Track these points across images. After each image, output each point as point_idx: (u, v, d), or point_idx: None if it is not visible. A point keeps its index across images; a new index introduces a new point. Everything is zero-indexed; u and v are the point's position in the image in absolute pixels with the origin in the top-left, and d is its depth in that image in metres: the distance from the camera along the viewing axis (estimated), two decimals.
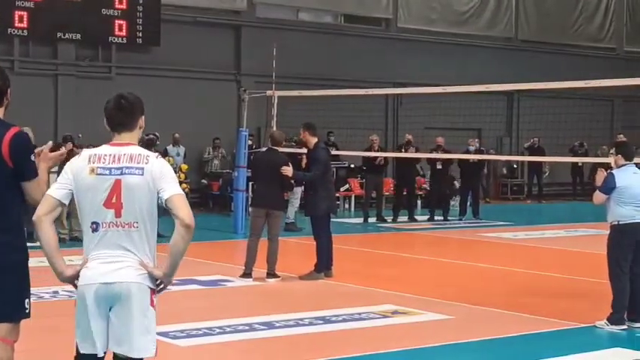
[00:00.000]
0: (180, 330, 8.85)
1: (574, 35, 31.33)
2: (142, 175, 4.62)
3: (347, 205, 24.48)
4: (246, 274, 12.10)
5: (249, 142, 19.93)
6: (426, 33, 27.83)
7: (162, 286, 4.73)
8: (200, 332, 8.82)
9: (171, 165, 19.61)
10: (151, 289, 4.66)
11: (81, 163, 4.69)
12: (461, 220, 21.62)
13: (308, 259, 12.55)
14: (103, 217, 4.61)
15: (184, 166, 22.63)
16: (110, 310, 4.60)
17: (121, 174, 4.62)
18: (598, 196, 9.50)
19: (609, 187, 9.34)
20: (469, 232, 19.35)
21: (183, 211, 4.58)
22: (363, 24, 27.32)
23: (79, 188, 4.66)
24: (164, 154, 22.25)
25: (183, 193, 4.69)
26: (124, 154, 4.66)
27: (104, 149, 4.72)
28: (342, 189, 24.33)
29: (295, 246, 15.75)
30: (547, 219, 23.62)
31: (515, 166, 29.38)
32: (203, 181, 23.60)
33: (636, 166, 9.73)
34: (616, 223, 9.39)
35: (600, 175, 9.57)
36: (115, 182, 4.62)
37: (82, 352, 4.62)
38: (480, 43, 28.88)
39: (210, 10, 24.17)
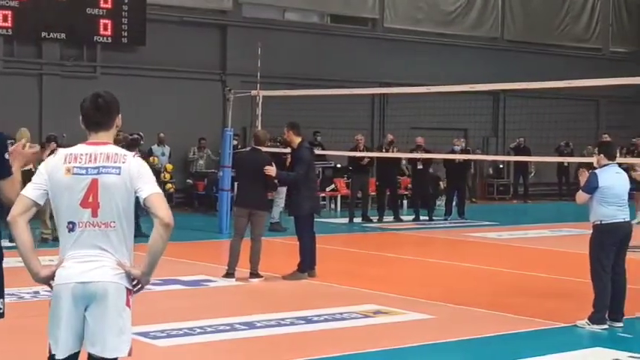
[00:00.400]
0: (161, 330, 8.81)
1: (560, 35, 31.40)
2: (119, 174, 4.58)
3: (333, 205, 24.47)
4: (229, 274, 12.07)
5: (235, 142, 19.89)
6: (412, 33, 27.84)
7: (139, 286, 4.69)
8: (180, 332, 8.78)
9: (157, 165, 19.86)
10: (127, 289, 4.62)
11: (56, 162, 4.65)
12: (446, 220, 21.63)
13: (292, 259, 12.52)
14: (80, 217, 4.57)
15: (169, 166, 22.62)
16: (86, 309, 4.55)
17: (98, 173, 4.58)
18: (581, 196, 9.50)
19: (592, 186, 9.34)
20: (454, 232, 19.35)
21: (162, 210, 4.56)
22: (349, 24, 27.30)
23: (54, 188, 4.62)
24: (149, 153, 22.22)
25: (161, 192, 4.66)
26: (101, 154, 4.62)
27: (80, 148, 4.67)
28: (327, 189, 24.33)
29: (280, 246, 15.72)
30: (532, 219, 23.65)
31: (501, 166, 29.41)
32: (188, 180, 23.56)
33: (619, 166, 9.75)
34: (598, 222, 9.39)
35: (584, 175, 9.57)
36: (92, 182, 4.58)
37: (52, 352, 4.58)
38: (466, 43, 28.91)
39: (196, 9, 24.11)
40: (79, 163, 4.60)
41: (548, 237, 18.65)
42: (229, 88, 18.56)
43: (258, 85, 18.08)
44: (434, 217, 21.61)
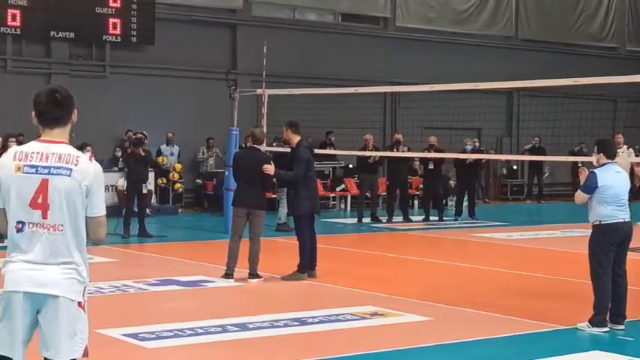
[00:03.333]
0: (151, 331, 8.68)
1: (575, 34, 31.10)
2: (70, 176, 4.45)
3: (343, 205, 24.31)
4: (228, 275, 11.93)
5: (249, 143, 19.67)
6: (424, 32, 27.66)
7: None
8: (170, 334, 8.63)
9: (165, 165, 19.86)
10: (79, 292, 4.50)
11: (6, 160, 4.52)
12: (456, 220, 21.43)
13: (295, 259, 12.34)
14: (29, 218, 4.45)
15: (178, 166, 22.54)
16: (38, 313, 4.45)
17: (49, 174, 4.45)
18: (580, 196, 9.30)
19: (591, 186, 9.13)
20: (463, 233, 19.13)
21: (95, 235, 4.58)
22: (360, 23, 27.11)
23: (4, 186, 4.49)
24: (158, 153, 22.17)
25: (104, 213, 4.57)
26: (53, 153, 4.47)
27: (32, 146, 4.53)
28: (338, 189, 24.18)
29: (284, 246, 15.58)
30: (544, 220, 23.42)
31: (514, 167, 29.15)
32: (197, 180, 23.45)
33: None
34: (598, 223, 9.19)
35: (583, 174, 9.37)
36: (42, 182, 4.45)
37: (5, 354, 4.48)
38: (480, 42, 28.67)
39: (206, 8, 24.02)
40: (30, 161, 4.47)
41: (559, 238, 18.38)
42: (234, 87, 18.41)
43: (264, 84, 17.93)
44: (444, 218, 21.39)
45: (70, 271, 4.46)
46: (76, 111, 4.63)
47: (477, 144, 24.35)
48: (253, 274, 11.92)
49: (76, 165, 4.46)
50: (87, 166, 4.49)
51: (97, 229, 4.52)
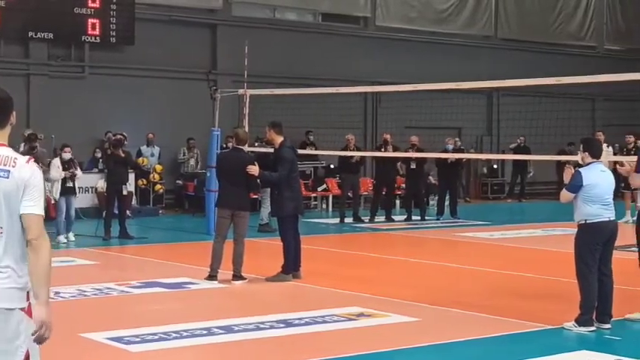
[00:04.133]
0: (136, 335, 8.59)
1: (554, 34, 31.20)
2: (8, 178, 4.37)
3: (325, 206, 24.26)
4: (212, 277, 11.84)
5: (230, 144, 19.55)
6: (404, 31, 27.65)
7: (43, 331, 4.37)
8: (155, 337, 8.54)
9: (146, 166, 19.73)
10: (23, 298, 4.40)
11: None
12: (438, 219, 21.42)
13: (279, 260, 12.27)
14: None
15: (159, 167, 22.42)
16: None
17: None
18: (565, 195, 9.28)
19: (576, 185, 9.11)
20: (445, 232, 19.11)
21: (32, 232, 4.37)
22: (341, 22, 27.06)
23: None
24: (138, 154, 22.03)
25: (42, 214, 4.43)
26: None
27: None
28: (319, 189, 24.13)
29: (267, 247, 15.49)
30: (526, 218, 23.46)
31: (495, 166, 29.19)
32: (178, 181, 23.32)
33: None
34: (583, 222, 9.17)
35: (568, 173, 9.35)
36: None
37: None
38: (460, 42, 28.69)
39: (186, 8, 23.87)
40: None
41: (540, 236, 18.43)
42: (215, 87, 18.30)
43: (245, 84, 17.84)
44: (426, 217, 21.37)
45: (7, 279, 4.35)
46: (15, 113, 4.54)
47: (459, 143, 24.39)
48: (237, 276, 11.84)
49: (13, 167, 4.39)
50: (25, 168, 4.41)
51: (30, 226, 4.37)
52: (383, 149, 20.73)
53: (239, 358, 8.17)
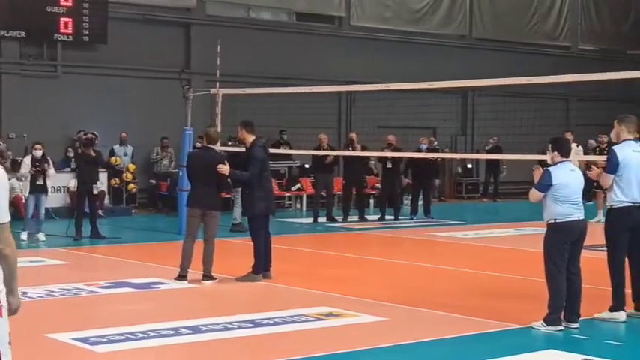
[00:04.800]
0: (102, 335, 8.51)
1: (529, 33, 31.30)
2: None
3: (298, 205, 24.22)
4: (181, 276, 11.78)
5: (199, 145, 19.45)
6: (379, 31, 27.65)
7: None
8: (122, 337, 8.47)
9: (119, 165, 19.64)
10: None
11: None
12: (412, 219, 21.42)
13: (251, 260, 12.20)
14: None
15: (132, 166, 22.31)
16: None
17: None
18: (534, 194, 9.28)
19: (545, 184, 9.12)
20: (419, 232, 19.10)
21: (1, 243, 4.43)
22: (315, 22, 27.02)
23: None
24: (111, 153, 21.91)
25: (7, 220, 4.45)
26: None
27: None
28: (293, 188, 24.09)
29: (239, 247, 15.37)
30: (499, 218, 23.53)
31: (469, 165, 29.24)
32: (151, 181, 23.20)
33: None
34: (552, 221, 9.17)
35: (537, 173, 9.36)
36: None
37: None
38: (434, 42, 28.71)
39: (159, 7, 23.75)
40: None
41: (513, 236, 18.47)
42: (188, 86, 18.22)
43: (218, 83, 17.77)
44: (400, 217, 21.36)
45: None
46: None
47: (435, 143, 24.41)
48: (207, 276, 11.78)
49: None
50: None
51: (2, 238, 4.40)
52: (350, 148, 20.65)
53: (206, 358, 8.12)
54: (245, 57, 24.22)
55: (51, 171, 16.38)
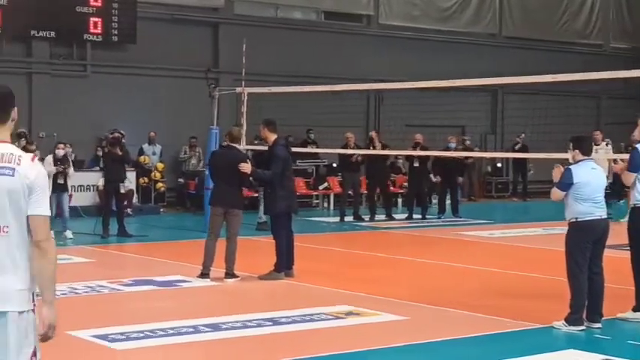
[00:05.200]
0: (121, 332, 8.57)
1: (559, 31, 31.03)
2: (13, 176, 4.33)
3: (326, 204, 24.20)
4: (204, 274, 11.81)
5: (226, 143, 19.44)
6: (407, 30, 27.55)
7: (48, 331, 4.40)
8: (141, 335, 8.52)
9: (147, 164, 19.81)
10: (30, 298, 4.36)
11: None
12: (439, 218, 21.34)
13: (274, 258, 12.19)
14: None
15: (160, 165, 22.42)
16: None
17: None
18: (555, 193, 9.23)
19: (567, 183, 9.06)
20: (446, 231, 19.01)
21: (40, 234, 4.34)
22: (343, 21, 26.98)
23: None
24: (140, 152, 22.04)
25: (48, 214, 4.40)
26: None
27: None
28: (320, 187, 24.08)
29: (265, 245, 15.31)
30: (528, 217, 23.36)
31: (499, 164, 29.06)
32: (180, 180, 23.30)
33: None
34: (574, 220, 9.12)
35: (557, 172, 9.29)
36: None
37: None
38: (463, 40, 28.55)
39: (188, 7, 23.85)
40: None
41: (541, 235, 18.32)
42: (214, 85, 18.26)
43: (243, 82, 17.80)
44: (427, 216, 21.28)
45: (16, 281, 4.32)
46: (16, 109, 4.51)
47: (467, 141, 24.33)
48: (230, 274, 11.80)
49: (18, 164, 4.35)
50: (30, 166, 4.37)
51: (37, 228, 4.33)
52: (372, 147, 20.58)
53: (223, 356, 8.14)
54: (273, 56, 24.24)
55: (70, 170, 16.51)
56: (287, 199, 12.04)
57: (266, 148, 16.97)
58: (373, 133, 21.02)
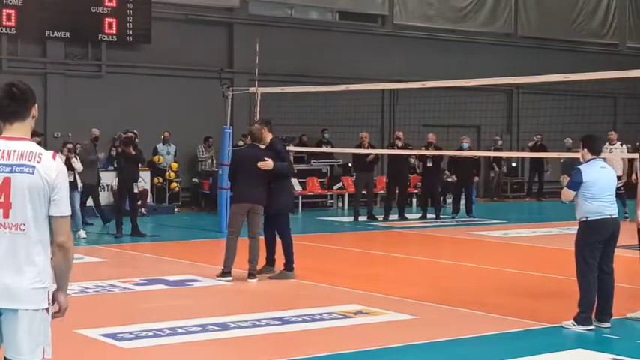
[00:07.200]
0: (130, 331, 8.59)
1: (575, 31, 30.92)
2: (33, 174, 4.34)
3: (340, 204, 24.20)
4: (225, 273, 11.76)
5: (242, 143, 19.52)
6: (422, 30, 27.52)
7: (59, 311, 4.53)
8: (149, 334, 8.54)
9: (162, 164, 19.89)
10: (44, 296, 4.40)
11: None
12: (454, 218, 21.30)
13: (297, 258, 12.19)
14: None
15: (174, 165, 22.48)
16: (0, 314, 4.37)
17: (11, 172, 4.34)
18: (565, 193, 9.21)
19: (576, 182, 9.04)
20: (459, 231, 18.98)
21: (62, 235, 4.40)
22: (358, 21, 26.97)
23: None
24: (154, 152, 22.11)
25: (69, 214, 4.45)
26: (15, 151, 4.36)
27: None
28: (335, 187, 24.08)
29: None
30: (542, 217, 23.28)
31: (514, 164, 28.98)
32: (194, 179, 23.36)
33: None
34: (584, 219, 9.08)
35: (565, 181, 9.31)
36: (4, 180, 4.34)
37: None
38: (479, 40, 28.49)
39: (202, 7, 23.91)
40: None
41: (555, 235, 18.21)
42: (227, 85, 18.30)
43: (257, 82, 17.83)
44: (441, 216, 21.25)
45: (34, 279, 4.35)
46: (36, 105, 4.52)
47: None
48: (253, 274, 11.76)
49: (39, 162, 4.36)
50: (50, 164, 4.38)
51: (60, 229, 4.37)
52: (397, 147, 20.58)
53: (231, 355, 8.15)
54: (287, 56, 24.26)
55: (77, 164, 16.59)
56: (290, 195, 12.07)
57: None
58: (400, 134, 20.97)
